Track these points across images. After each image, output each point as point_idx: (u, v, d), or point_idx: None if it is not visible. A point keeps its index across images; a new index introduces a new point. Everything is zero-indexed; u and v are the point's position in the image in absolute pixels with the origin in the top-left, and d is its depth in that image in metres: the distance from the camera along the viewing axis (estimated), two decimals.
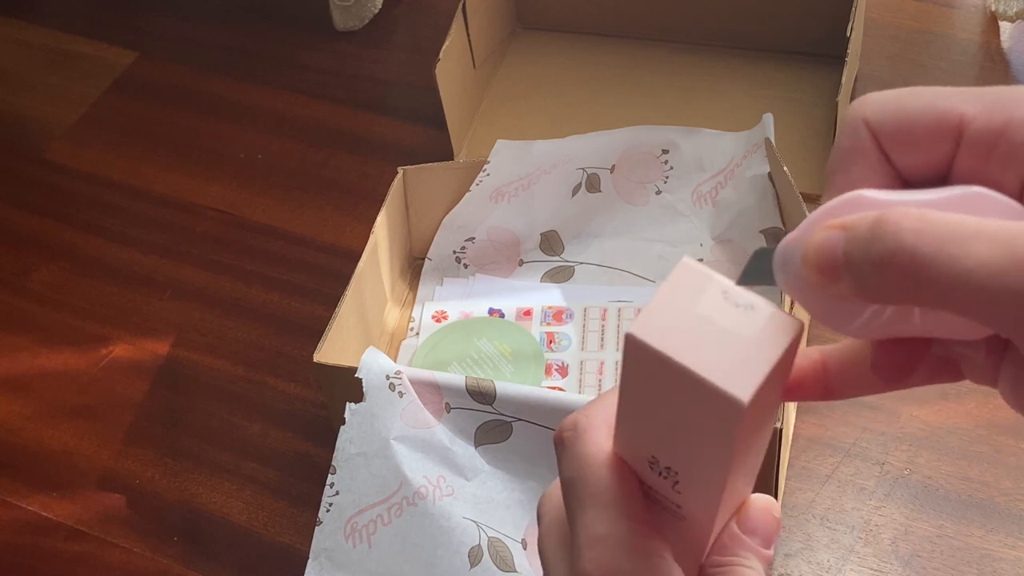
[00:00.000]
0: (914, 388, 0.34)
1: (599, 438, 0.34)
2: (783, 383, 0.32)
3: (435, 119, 0.96)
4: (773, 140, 0.83)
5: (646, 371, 0.31)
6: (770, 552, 0.35)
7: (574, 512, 0.34)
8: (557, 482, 0.36)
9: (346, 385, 0.71)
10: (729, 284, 0.31)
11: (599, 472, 0.34)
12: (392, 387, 0.71)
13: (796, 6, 1.00)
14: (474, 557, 0.69)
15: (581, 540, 0.33)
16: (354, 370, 0.71)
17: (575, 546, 0.33)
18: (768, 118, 0.84)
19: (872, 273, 0.28)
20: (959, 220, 0.27)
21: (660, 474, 0.33)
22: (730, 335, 0.30)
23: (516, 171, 0.88)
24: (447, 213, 0.88)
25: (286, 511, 0.79)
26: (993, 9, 1.04)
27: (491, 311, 0.87)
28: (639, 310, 0.31)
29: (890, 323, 0.31)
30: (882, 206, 0.30)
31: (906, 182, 0.32)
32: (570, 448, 0.35)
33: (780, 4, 1.01)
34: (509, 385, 0.70)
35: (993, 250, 0.27)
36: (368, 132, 1.05)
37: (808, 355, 0.35)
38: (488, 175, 0.87)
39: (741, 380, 0.29)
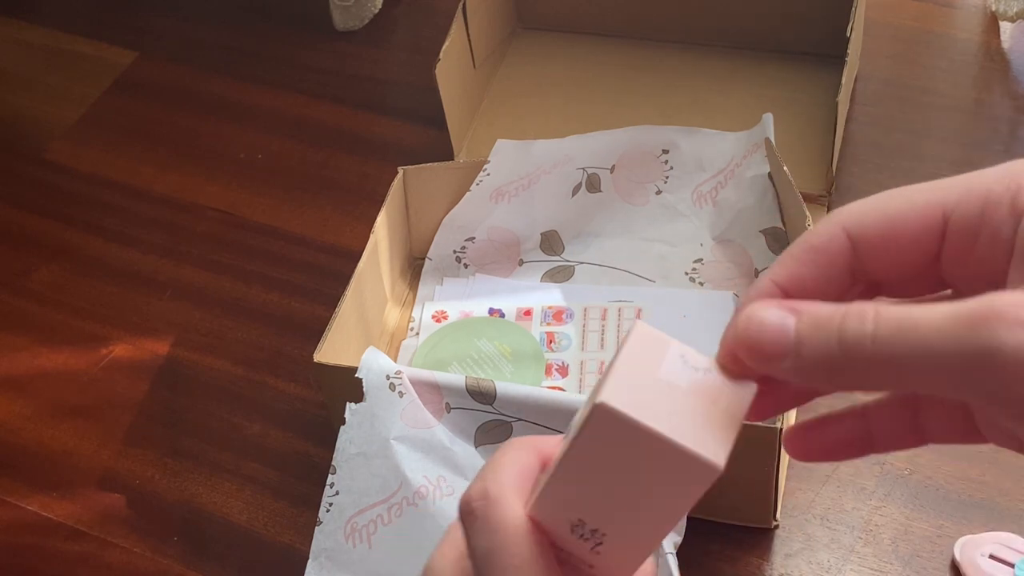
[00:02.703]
0: None
1: (513, 505, 0.34)
2: None
3: (435, 119, 0.96)
4: (773, 140, 0.83)
5: (612, 438, 0.31)
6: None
7: None
8: (446, 548, 0.36)
9: (346, 385, 0.71)
10: (686, 349, 0.32)
11: (518, 540, 0.34)
12: (392, 387, 0.71)
13: (796, 6, 1.00)
14: None
15: None
16: (354, 370, 0.71)
17: None
18: (768, 118, 0.84)
19: (832, 358, 0.28)
20: (907, 308, 0.28)
21: (582, 536, 0.34)
22: (695, 401, 0.31)
23: (516, 171, 0.88)
24: (447, 213, 0.88)
25: (286, 511, 0.79)
26: (993, 9, 1.04)
27: (491, 311, 0.87)
28: (609, 376, 0.32)
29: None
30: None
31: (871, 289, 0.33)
32: (483, 518, 0.34)
33: (780, 4, 1.01)
34: (509, 385, 0.70)
35: (944, 322, 0.27)
36: (368, 132, 1.05)
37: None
38: (488, 175, 0.87)
39: (714, 446, 0.30)
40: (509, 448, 0.36)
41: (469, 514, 0.35)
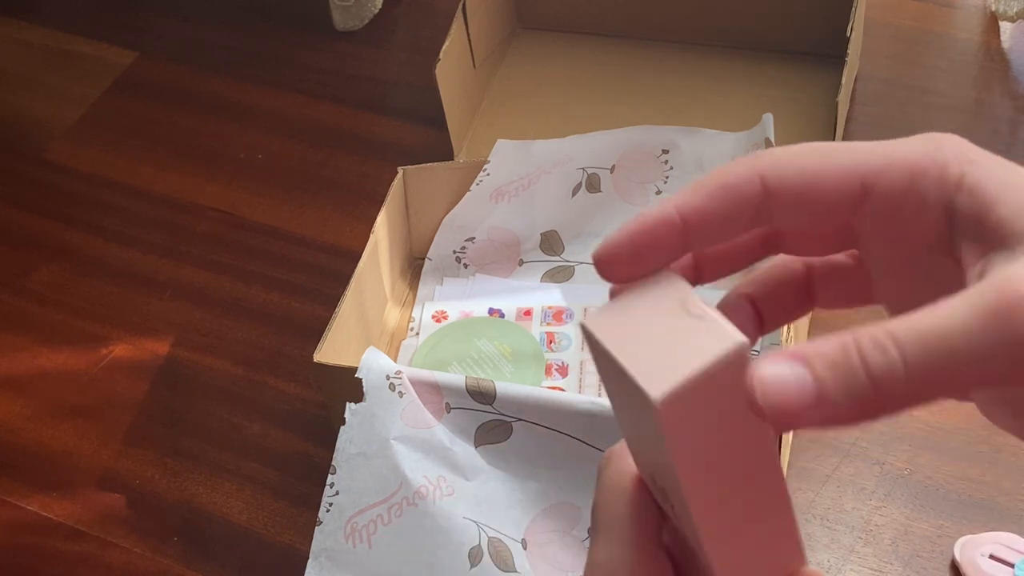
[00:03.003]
0: None
1: (622, 462, 0.34)
2: (741, 407, 0.29)
3: (435, 119, 0.96)
4: (773, 140, 0.83)
5: (603, 366, 0.31)
6: None
7: (591, 536, 0.34)
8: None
9: (346, 385, 0.71)
10: (691, 294, 0.30)
11: (614, 499, 0.33)
12: (392, 387, 0.71)
13: (796, 6, 1.00)
14: (474, 557, 0.69)
15: (586, 565, 0.33)
16: (354, 370, 0.71)
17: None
18: (768, 118, 0.84)
19: (865, 397, 0.27)
20: (916, 320, 0.27)
21: (661, 493, 0.32)
22: (670, 339, 0.29)
23: (516, 171, 0.88)
24: (447, 213, 0.88)
25: (286, 511, 0.79)
26: (993, 9, 1.04)
27: (491, 311, 0.87)
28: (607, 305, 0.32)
29: None
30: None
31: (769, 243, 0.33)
32: (600, 474, 0.35)
33: (780, 4, 1.01)
34: (509, 385, 0.70)
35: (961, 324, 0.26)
36: (368, 132, 1.05)
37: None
38: (488, 175, 0.87)
39: (660, 380, 0.28)
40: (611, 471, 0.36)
41: (598, 471, 0.35)
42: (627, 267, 0.31)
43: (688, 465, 0.29)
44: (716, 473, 0.30)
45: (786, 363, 0.27)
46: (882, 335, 0.26)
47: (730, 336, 0.28)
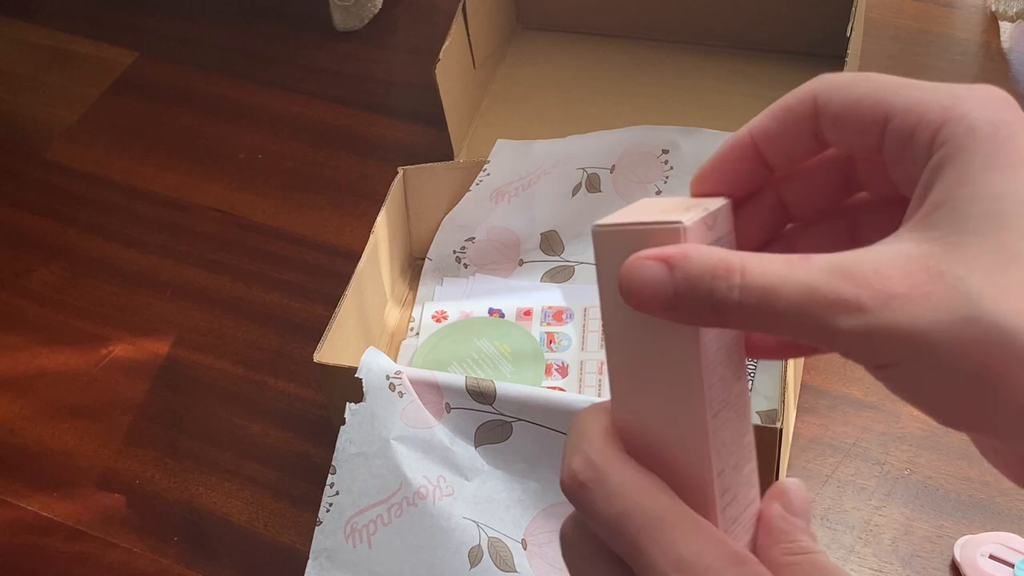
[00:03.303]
0: None
1: (624, 463, 0.34)
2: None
3: (435, 119, 0.96)
4: None
5: (612, 263, 0.32)
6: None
7: (641, 546, 0.32)
8: (572, 523, 0.36)
9: (346, 385, 0.71)
10: (698, 201, 0.34)
11: (653, 495, 0.33)
12: (392, 387, 0.71)
13: (796, 6, 1.00)
14: (474, 557, 0.69)
15: (667, 570, 0.32)
16: (354, 370, 0.71)
17: None
18: None
19: (705, 313, 0.30)
20: (771, 270, 0.29)
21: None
22: (643, 216, 0.32)
23: (516, 171, 0.88)
24: (447, 213, 0.88)
25: (286, 511, 0.79)
26: (993, 9, 1.04)
27: (491, 311, 0.87)
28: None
29: None
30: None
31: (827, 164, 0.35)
32: (600, 485, 0.34)
33: (780, 4, 1.01)
34: (509, 385, 0.70)
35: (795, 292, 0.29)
36: (368, 132, 1.05)
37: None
38: (488, 175, 0.87)
39: (610, 221, 0.32)
40: (585, 416, 0.36)
41: (581, 487, 0.34)
42: (716, 186, 0.35)
43: (609, 303, 0.33)
44: (632, 333, 0.33)
45: (655, 264, 0.31)
46: (735, 272, 0.30)
47: (679, 219, 0.32)
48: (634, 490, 0.33)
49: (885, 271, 0.28)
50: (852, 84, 0.33)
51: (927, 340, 0.27)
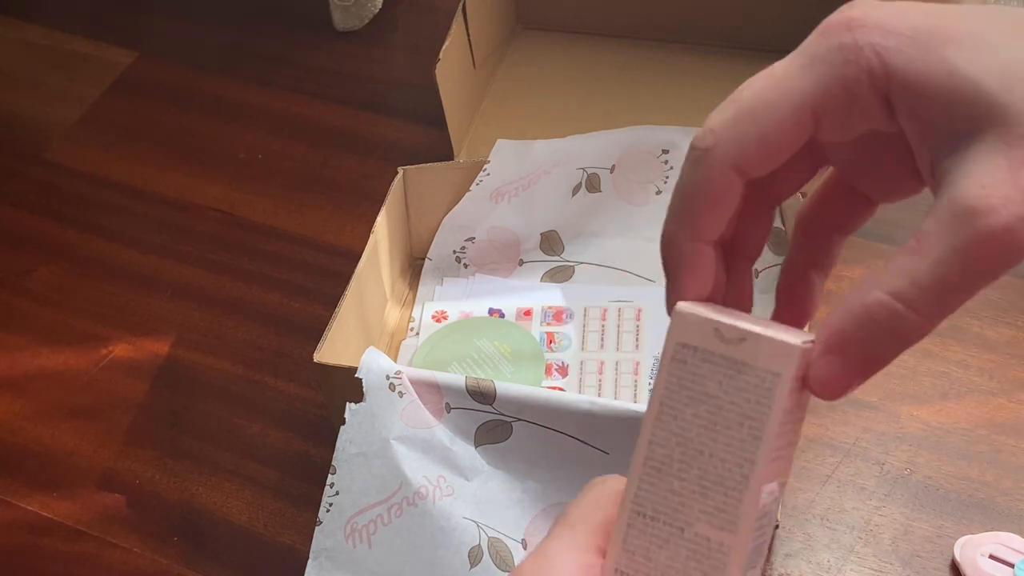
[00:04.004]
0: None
1: (616, 485, 0.34)
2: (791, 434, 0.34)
3: (435, 119, 0.96)
4: None
5: (679, 352, 0.33)
6: None
7: (554, 526, 0.34)
8: None
9: (346, 385, 0.71)
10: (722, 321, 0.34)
11: (592, 502, 0.34)
12: (392, 387, 0.71)
13: (796, 6, 1.00)
14: (474, 557, 0.69)
15: (535, 551, 0.34)
16: (354, 370, 0.71)
17: None
18: None
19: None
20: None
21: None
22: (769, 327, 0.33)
23: (516, 171, 0.88)
24: (447, 213, 0.88)
25: (286, 511, 0.79)
26: None
27: (491, 311, 0.87)
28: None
29: None
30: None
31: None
32: (591, 483, 0.35)
33: (780, 4, 1.01)
34: (509, 385, 0.70)
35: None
36: (368, 132, 1.05)
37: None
38: (488, 175, 0.87)
39: (791, 336, 0.32)
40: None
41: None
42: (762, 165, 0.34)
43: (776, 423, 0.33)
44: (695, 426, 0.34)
45: (825, 362, 0.31)
46: (888, 299, 0.30)
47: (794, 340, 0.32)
48: None
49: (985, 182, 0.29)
50: (755, 120, 0.34)
51: None
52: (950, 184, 0.30)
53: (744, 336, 0.32)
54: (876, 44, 0.31)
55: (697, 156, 0.33)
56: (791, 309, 0.38)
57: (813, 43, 0.33)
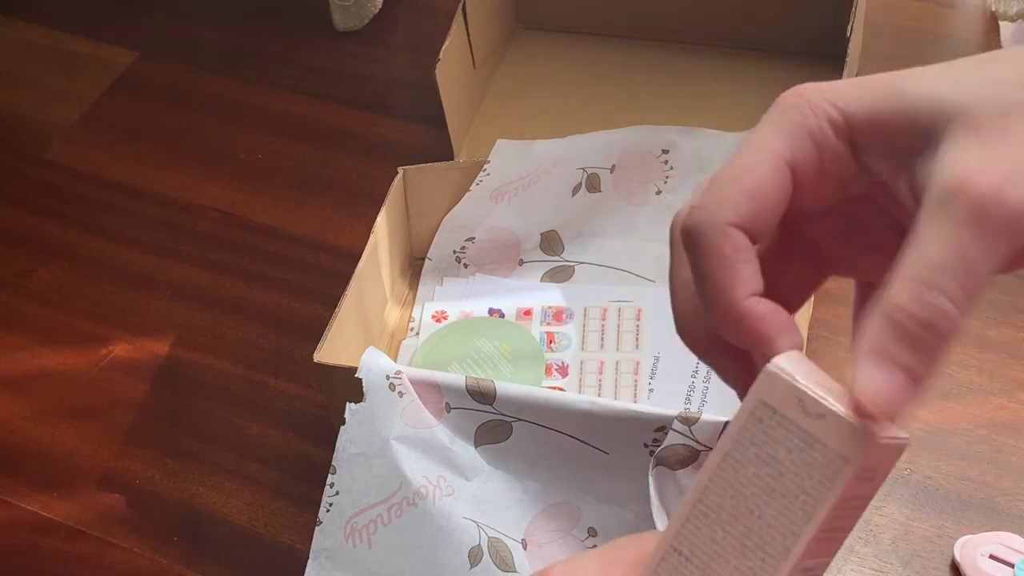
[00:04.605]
0: None
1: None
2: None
3: (435, 119, 0.96)
4: None
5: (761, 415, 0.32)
6: None
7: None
8: None
9: (346, 385, 0.71)
10: (804, 393, 0.32)
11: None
12: (392, 387, 0.71)
13: (796, 6, 1.00)
14: (474, 557, 0.69)
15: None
16: (354, 370, 0.71)
17: None
18: None
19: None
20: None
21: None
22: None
23: (516, 171, 0.88)
24: (447, 213, 0.88)
25: (286, 511, 0.79)
26: (993, 9, 1.04)
27: (491, 311, 0.87)
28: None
29: None
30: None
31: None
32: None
33: (780, 4, 1.01)
34: (509, 385, 0.70)
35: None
36: (368, 132, 1.05)
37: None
38: (488, 175, 0.87)
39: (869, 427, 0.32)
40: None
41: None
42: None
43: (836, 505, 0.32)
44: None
45: (872, 369, 0.30)
46: (918, 290, 0.29)
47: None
48: None
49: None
50: (739, 185, 0.33)
51: None
52: (931, 183, 0.30)
53: (824, 413, 0.31)
54: (827, 98, 0.32)
55: (688, 229, 0.33)
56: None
57: (772, 113, 0.33)
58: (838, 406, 0.31)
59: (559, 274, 0.89)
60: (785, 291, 0.35)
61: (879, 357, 0.30)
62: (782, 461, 0.32)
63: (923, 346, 0.29)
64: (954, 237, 0.29)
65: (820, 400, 0.32)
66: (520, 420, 0.71)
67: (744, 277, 0.32)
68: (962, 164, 0.29)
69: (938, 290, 0.29)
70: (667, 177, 0.89)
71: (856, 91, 0.32)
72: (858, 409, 0.30)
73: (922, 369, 0.30)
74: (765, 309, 0.32)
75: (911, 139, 0.31)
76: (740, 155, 0.33)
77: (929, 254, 0.29)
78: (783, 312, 0.33)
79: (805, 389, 0.32)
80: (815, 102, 0.32)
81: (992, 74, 0.31)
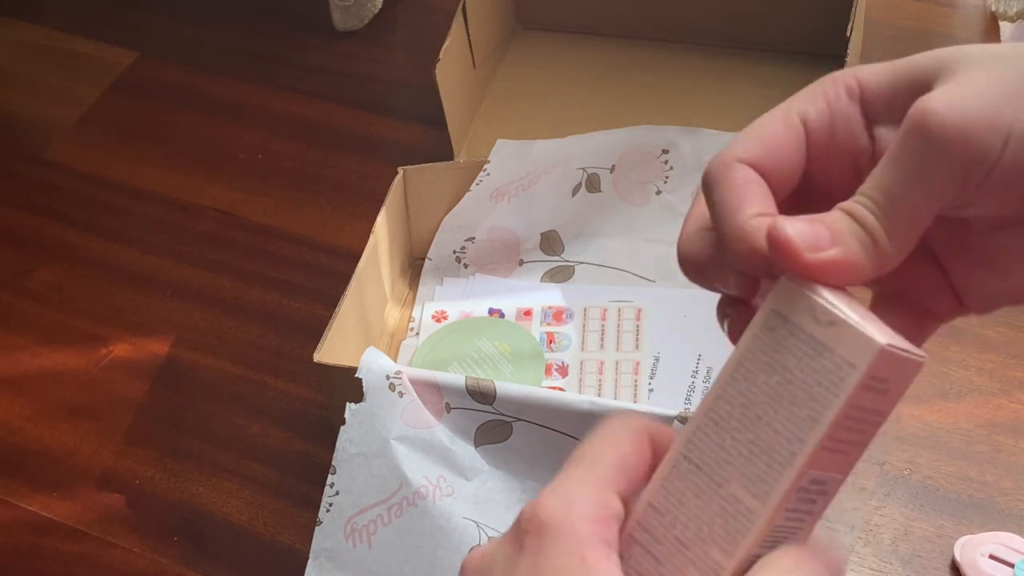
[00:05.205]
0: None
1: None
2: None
3: (435, 119, 0.96)
4: None
5: (773, 322, 0.33)
6: None
7: (563, 470, 0.35)
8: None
9: (346, 385, 0.71)
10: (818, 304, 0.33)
11: (611, 440, 0.35)
12: (392, 387, 0.71)
13: (796, 6, 1.00)
14: None
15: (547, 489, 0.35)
16: (354, 370, 0.71)
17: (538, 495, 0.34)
18: None
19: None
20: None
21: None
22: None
23: (516, 171, 0.88)
24: (447, 213, 0.88)
25: (286, 511, 0.79)
26: (993, 9, 1.04)
27: (491, 311, 0.87)
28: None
29: None
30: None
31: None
32: (602, 424, 0.35)
33: (780, 4, 1.01)
34: (509, 385, 0.70)
35: None
36: (368, 132, 1.05)
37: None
38: (488, 175, 0.87)
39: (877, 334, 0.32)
40: (602, 444, 0.36)
41: (522, 534, 0.33)
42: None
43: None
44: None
45: (803, 221, 0.32)
46: (854, 199, 0.33)
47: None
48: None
49: None
50: (759, 134, 0.36)
51: None
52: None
53: (834, 321, 0.32)
54: (852, 73, 0.35)
55: (706, 171, 0.36)
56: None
57: (807, 86, 0.36)
58: (850, 313, 0.32)
59: (559, 274, 0.89)
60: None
61: (814, 222, 0.33)
62: (791, 369, 0.33)
63: (852, 242, 0.32)
64: (892, 156, 0.32)
65: (831, 308, 0.32)
66: (520, 420, 0.71)
67: (752, 199, 0.34)
68: (928, 101, 0.32)
69: (878, 204, 0.32)
70: (667, 177, 0.89)
71: (879, 68, 0.35)
72: (770, 235, 0.32)
73: (845, 240, 0.32)
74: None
75: (911, 91, 0.33)
76: (764, 115, 0.36)
77: (878, 173, 0.32)
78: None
79: (817, 298, 0.32)
80: (840, 76, 0.35)
81: (1000, 45, 0.33)
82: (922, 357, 0.33)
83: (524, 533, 0.33)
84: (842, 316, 0.32)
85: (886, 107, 0.34)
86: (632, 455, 0.35)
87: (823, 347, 0.32)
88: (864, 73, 0.35)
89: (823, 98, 0.35)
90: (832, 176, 0.35)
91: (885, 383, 0.32)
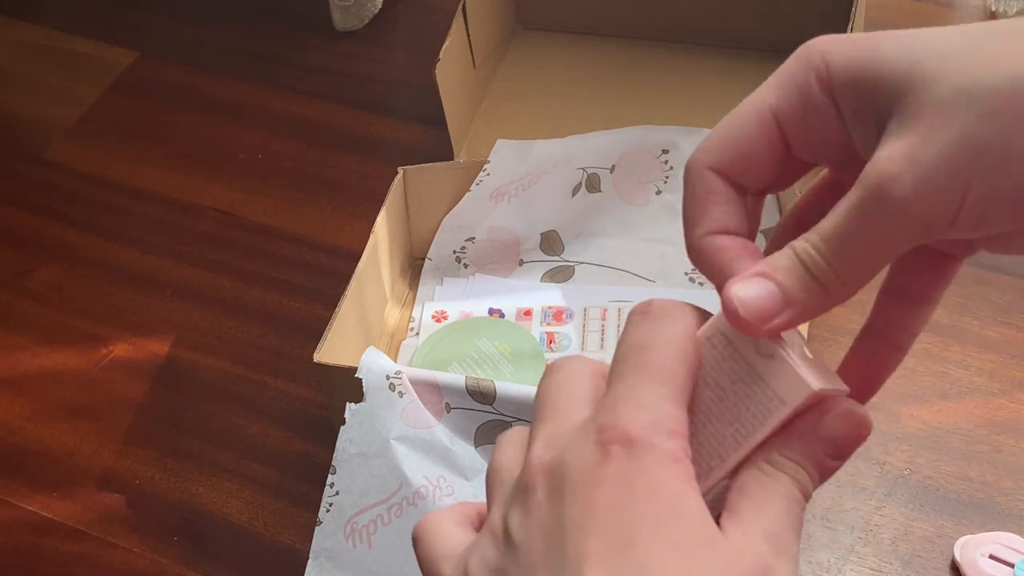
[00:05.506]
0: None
1: (691, 323, 0.35)
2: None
3: (435, 119, 0.96)
4: None
5: (726, 351, 0.34)
6: (835, 464, 0.36)
7: (627, 375, 0.35)
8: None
9: (346, 385, 0.71)
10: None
11: (679, 353, 0.34)
12: (392, 387, 0.71)
13: (796, 6, 1.00)
14: None
15: (625, 398, 0.34)
16: (354, 370, 0.71)
17: (609, 401, 0.34)
18: None
19: (815, 290, 0.33)
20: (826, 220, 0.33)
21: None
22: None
23: (516, 171, 0.88)
24: (447, 213, 0.88)
25: (286, 511, 0.79)
26: (993, 9, 1.04)
27: (491, 311, 0.87)
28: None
29: None
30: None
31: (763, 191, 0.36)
32: (657, 321, 0.35)
33: (780, 4, 1.01)
34: (509, 385, 0.70)
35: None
36: (368, 132, 1.05)
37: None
38: (488, 175, 0.87)
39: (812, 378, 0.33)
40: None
41: (607, 442, 0.33)
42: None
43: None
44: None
45: (756, 281, 0.33)
46: (808, 243, 0.32)
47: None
48: (674, 342, 0.34)
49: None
50: (727, 132, 0.35)
51: None
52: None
53: (773, 355, 0.33)
54: (824, 50, 0.34)
55: (684, 169, 0.36)
56: (855, 371, 0.38)
57: (784, 64, 0.35)
58: (789, 351, 0.33)
59: (559, 274, 0.89)
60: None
61: (762, 276, 0.33)
62: (724, 388, 0.34)
63: (797, 288, 0.32)
64: (849, 214, 0.32)
65: (773, 343, 0.33)
66: (520, 420, 0.71)
67: (709, 216, 0.34)
68: (882, 150, 0.31)
69: (822, 255, 0.32)
70: (667, 177, 0.89)
71: (849, 47, 0.33)
72: (726, 306, 0.32)
73: (796, 297, 0.32)
74: (724, 244, 0.34)
75: (875, 104, 0.32)
76: (738, 106, 0.35)
77: (826, 223, 0.32)
78: (746, 247, 0.35)
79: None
80: (811, 54, 0.34)
81: (970, 50, 0.31)
82: (845, 390, 0.34)
83: (610, 442, 0.32)
84: (782, 352, 0.33)
85: (853, 96, 0.33)
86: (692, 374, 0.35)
87: (758, 377, 0.33)
88: (833, 55, 0.33)
89: (796, 90, 0.34)
90: (813, 153, 0.35)
91: (804, 408, 0.33)
